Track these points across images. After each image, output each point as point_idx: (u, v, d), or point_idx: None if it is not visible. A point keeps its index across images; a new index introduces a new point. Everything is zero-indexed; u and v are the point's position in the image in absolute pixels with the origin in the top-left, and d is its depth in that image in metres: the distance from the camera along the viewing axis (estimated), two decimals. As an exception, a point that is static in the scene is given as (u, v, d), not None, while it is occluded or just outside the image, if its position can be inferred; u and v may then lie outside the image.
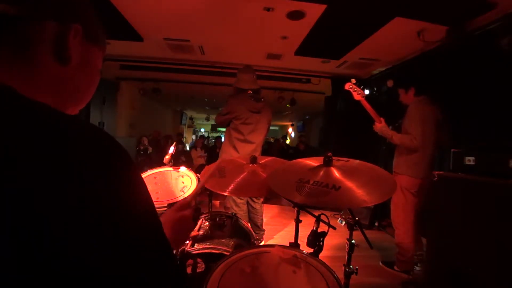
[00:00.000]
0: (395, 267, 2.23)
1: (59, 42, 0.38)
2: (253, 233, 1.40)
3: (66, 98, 0.42)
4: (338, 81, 4.24)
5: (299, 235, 1.23)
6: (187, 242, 1.14)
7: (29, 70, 0.36)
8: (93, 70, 0.46)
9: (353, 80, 2.07)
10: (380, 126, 2.18)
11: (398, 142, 2.16)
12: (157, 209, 1.19)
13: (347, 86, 2.09)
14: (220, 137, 8.11)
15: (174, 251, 0.74)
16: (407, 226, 2.17)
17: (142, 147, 5.64)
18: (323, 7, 2.24)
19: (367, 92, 2.11)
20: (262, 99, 2.46)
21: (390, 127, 2.22)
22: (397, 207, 2.22)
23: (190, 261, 1.11)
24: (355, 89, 2.06)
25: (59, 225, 0.26)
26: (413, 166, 2.12)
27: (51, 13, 0.37)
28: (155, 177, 1.48)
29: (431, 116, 2.10)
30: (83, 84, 0.45)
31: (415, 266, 2.27)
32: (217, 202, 3.62)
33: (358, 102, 2.09)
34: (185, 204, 0.70)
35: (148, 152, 5.68)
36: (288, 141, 12.20)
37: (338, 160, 1.04)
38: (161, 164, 1.54)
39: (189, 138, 12.57)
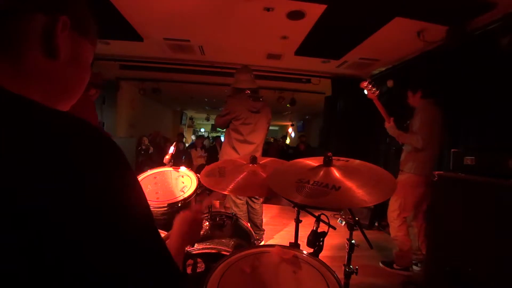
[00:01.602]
0: (394, 265, 2.26)
1: (46, 36, 0.37)
2: (253, 233, 1.40)
3: (57, 93, 0.41)
4: (338, 81, 4.24)
5: (299, 235, 1.23)
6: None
7: (17, 65, 0.35)
8: (84, 64, 0.44)
9: (369, 80, 2.13)
10: (388, 126, 2.26)
11: (404, 142, 2.24)
12: (157, 209, 1.21)
13: (363, 84, 2.14)
14: (219, 137, 8.10)
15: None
16: (400, 221, 2.22)
17: (143, 147, 5.64)
18: (323, 7, 2.24)
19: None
20: (261, 99, 2.46)
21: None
22: (395, 202, 2.26)
23: (190, 261, 1.11)
24: (370, 88, 2.13)
25: (58, 225, 0.26)
26: (419, 164, 2.17)
27: (38, 6, 0.36)
28: (155, 177, 1.48)
29: (438, 118, 2.15)
30: (74, 79, 0.43)
31: (415, 266, 2.28)
32: (217, 202, 3.62)
33: (369, 100, 2.17)
34: (201, 209, 0.78)
35: (149, 152, 5.68)
36: (288, 141, 12.20)
37: (338, 160, 1.04)
38: (162, 164, 1.54)
39: (189, 138, 12.56)
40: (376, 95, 2.12)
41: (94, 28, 0.46)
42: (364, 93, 2.18)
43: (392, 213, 2.27)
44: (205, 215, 1.40)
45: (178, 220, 0.69)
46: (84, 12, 0.43)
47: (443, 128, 2.17)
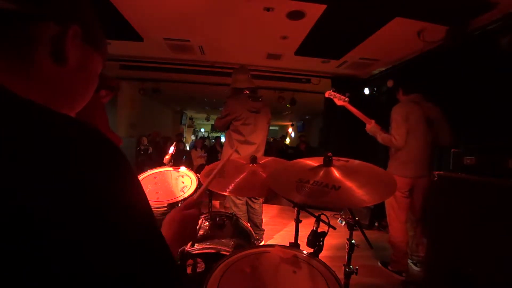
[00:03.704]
0: (389, 267, 2.25)
1: (57, 42, 0.37)
2: (253, 233, 1.40)
3: (60, 100, 0.42)
4: (338, 81, 4.25)
5: (299, 235, 1.23)
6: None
7: (24, 68, 0.36)
8: (91, 74, 0.45)
9: (333, 88, 2.15)
10: (369, 127, 2.23)
11: (382, 142, 2.20)
12: (157, 209, 1.19)
13: (327, 94, 2.17)
14: (220, 137, 8.11)
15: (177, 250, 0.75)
16: (397, 225, 2.20)
17: (142, 147, 5.65)
18: (323, 7, 2.24)
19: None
20: (260, 99, 2.46)
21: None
22: (388, 206, 2.26)
23: (190, 261, 1.11)
24: (336, 96, 2.14)
25: (59, 225, 0.26)
26: (400, 165, 2.14)
27: (51, 13, 0.37)
28: (155, 177, 1.48)
29: (416, 114, 2.09)
30: (79, 88, 0.44)
31: (414, 266, 2.28)
32: (217, 203, 3.62)
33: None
34: (190, 203, 0.70)
35: (149, 152, 5.68)
36: (287, 141, 12.20)
37: (338, 160, 1.04)
38: (161, 164, 1.54)
39: (189, 138, 12.56)
40: (346, 101, 2.10)
41: (105, 42, 0.47)
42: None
43: (389, 217, 2.27)
44: (205, 214, 1.40)
45: (165, 223, 0.66)
46: (95, 26, 0.44)
47: (429, 125, 2.09)
